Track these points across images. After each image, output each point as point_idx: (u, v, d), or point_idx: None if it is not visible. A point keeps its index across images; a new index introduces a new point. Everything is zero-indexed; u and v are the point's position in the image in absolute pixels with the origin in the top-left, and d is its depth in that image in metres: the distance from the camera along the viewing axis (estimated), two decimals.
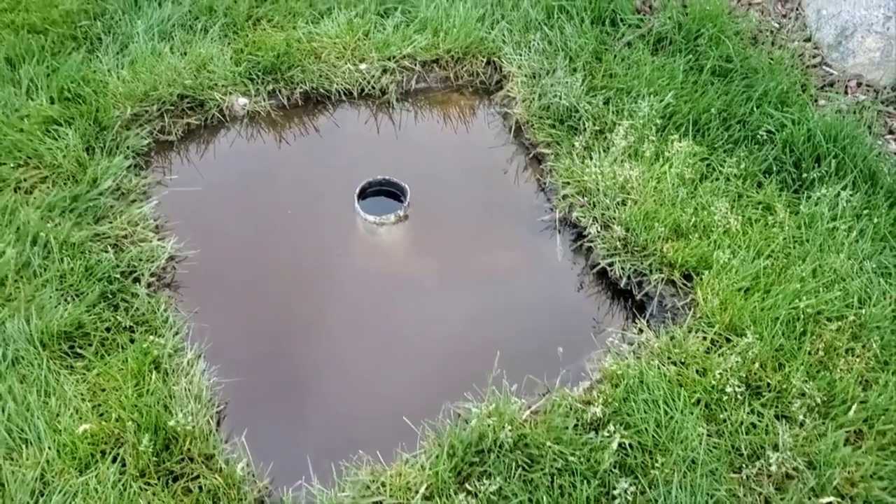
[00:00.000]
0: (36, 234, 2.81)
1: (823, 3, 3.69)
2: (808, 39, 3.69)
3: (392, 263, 3.17)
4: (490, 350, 2.58)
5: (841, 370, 2.48)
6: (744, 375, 2.47)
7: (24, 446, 2.27)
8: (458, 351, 2.80)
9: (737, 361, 2.48)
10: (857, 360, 2.51)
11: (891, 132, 3.34)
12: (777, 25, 3.77)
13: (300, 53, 3.64)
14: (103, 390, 2.45)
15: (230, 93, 3.53)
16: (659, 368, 2.49)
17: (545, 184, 3.32)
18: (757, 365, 2.49)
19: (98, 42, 3.66)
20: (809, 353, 2.53)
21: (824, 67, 3.60)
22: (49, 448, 2.26)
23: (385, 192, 3.29)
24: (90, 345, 2.57)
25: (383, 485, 2.27)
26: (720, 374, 2.46)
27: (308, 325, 2.89)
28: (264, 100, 3.56)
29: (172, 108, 3.45)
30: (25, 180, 3.06)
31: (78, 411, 2.37)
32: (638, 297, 2.88)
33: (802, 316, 2.60)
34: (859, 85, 3.50)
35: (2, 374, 2.43)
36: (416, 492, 2.24)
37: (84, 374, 2.49)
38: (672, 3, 3.80)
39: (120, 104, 3.37)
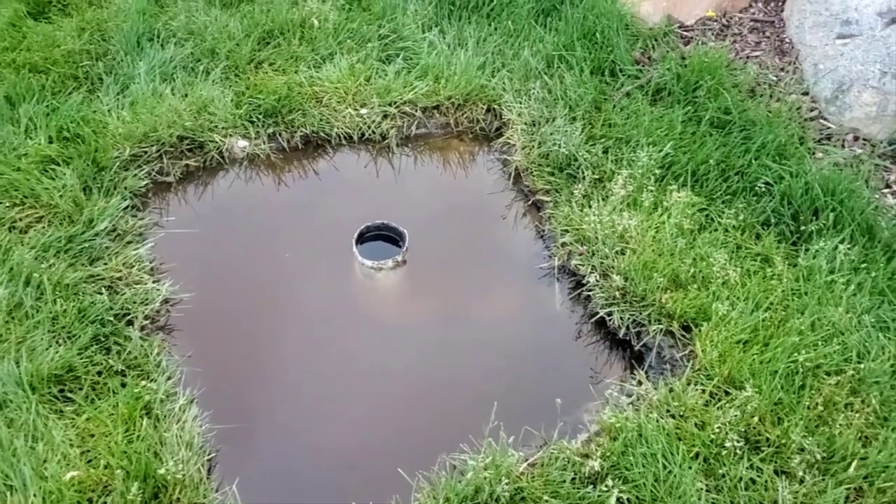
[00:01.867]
0: (29, 275, 2.79)
1: (820, 58, 3.73)
2: (806, 93, 3.72)
3: (389, 309, 3.15)
4: (486, 399, 2.56)
5: (840, 426, 2.45)
6: (743, 430, 2.44)
7: (8, 493, 2.22)
8: (454, 400, 2.77)
9: (736, 415, 2.45)
10: (857, 415, 2.48)
11: (888, 186, 3.35)
12: (775, 79, 3.81)
13: (301, 97, 3.66)
14: (92, 436, 2.41)
15: (230, 135, 3.54)
16: (658, 421, 2.46)
17: (544, 231, 3.31)
18: (756, 419, 2.46)
19: (99, 82, 3.68)
20: (808, 408, 2.50)
21: (821, 121, 3.62)
22: (35, 495, 2.21)
23: (383, 236, 3.28)
24: (80, 388, 2.54)
25: None
26: (719, 427, 2.43)
27: (303, 372, 2.86)
28: (264, 143, 3.57)
29: (172, 149, 3.45)
30: (21, 220, 3.04)
31: (66, 457, 2.33)
32: (636, 348, 2.86)
33: (801, 370, 2.58)
34: (856, 139, 3.52)
35: None
36: None
37: (73, 418, 2.46)
38: (670, 55, 3.84)
39: (119, 145, 3.37)
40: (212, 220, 3.31)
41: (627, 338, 2.88)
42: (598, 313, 2.94)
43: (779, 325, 2.74)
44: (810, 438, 2.40)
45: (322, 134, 3.63)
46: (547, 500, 2.27)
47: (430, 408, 2.75)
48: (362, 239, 3.22)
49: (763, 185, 3.22)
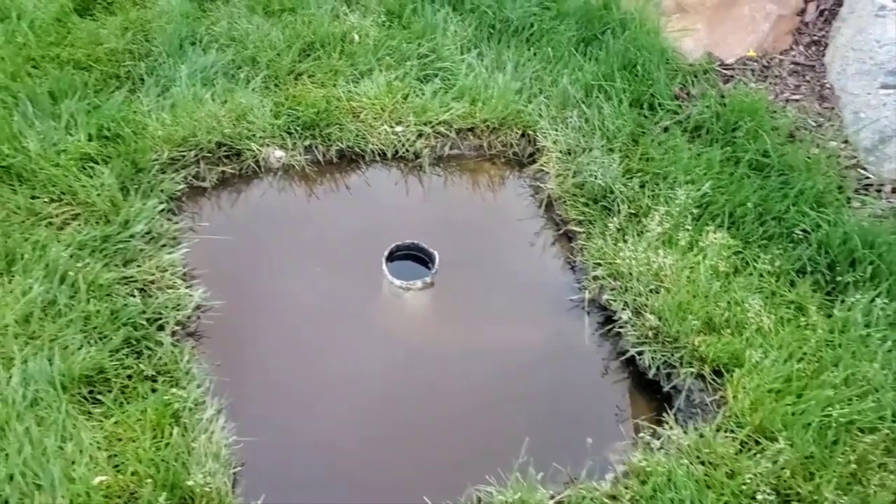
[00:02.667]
0: (65, 273, 2.79)
1: (862, 106, 3.71)
2: (846, 141, 3.71)
3: (417, 331, 3.13)
4: (511, 430, 2.55)
5: (875, 486, 2.42)
6: (774, 482, 2.41)
7: (36, 492, 2.21)
8: (479, 429, 2.75)
9: (767, 467, 2.43)
10: (892, 476, 2.45)
11: None
12: (814, 124, 3.80)
13: (339, 111, 3.65)
14: (120, 440, 2.40)
15: (267, 144, 3.54)
16: (688, 467, 2.44)
17: (575, 262, 3.29)
18: (787, 472, 2.43)
19: (140, 83, 3.68)
20: (841, 465, 2.47)
21: (859, 170, 3.60)
22: (62, 497, 2.20)
23: (413, 256, 3.27)
24: (110, 391, 2.53)
25: None
26: (750, 478, 2.40)
27: (330, 388, 2.84)
28: (300, 154, 3.57)
29: (209, 155, 3.45)
30: (57, 216, 3.04)
31: (94, 460, 2.32)
32: (665, 390, 2.83)
33: (835, 425, 2.55)
34: (894, 191, 3.50)
35: (20, 414, 2.38)
36: None
37: (101, 421, 2.45)
38: (710, 93, 3.83)
39: (158, 147, 3.37)
40: (245, 229, 3.31)
41: (657, 379, 2.86)
42: (628, 351, 2.92)
43: (812, 376, 2.71)
44: (844, 497, 2.37)
45: (357, 149, 3.63)
46: None
47: (456, 436, 2.73)
48: (392, 257, 3.21)
49: (800, 232, 3.20)
